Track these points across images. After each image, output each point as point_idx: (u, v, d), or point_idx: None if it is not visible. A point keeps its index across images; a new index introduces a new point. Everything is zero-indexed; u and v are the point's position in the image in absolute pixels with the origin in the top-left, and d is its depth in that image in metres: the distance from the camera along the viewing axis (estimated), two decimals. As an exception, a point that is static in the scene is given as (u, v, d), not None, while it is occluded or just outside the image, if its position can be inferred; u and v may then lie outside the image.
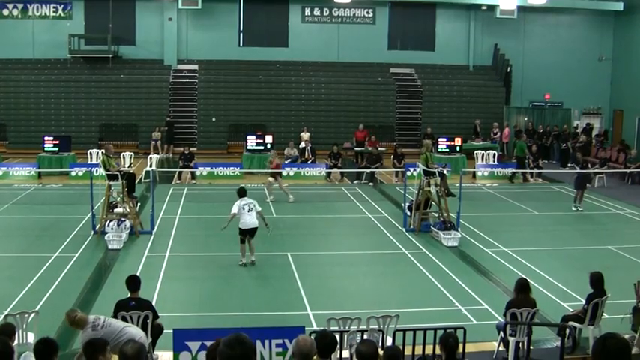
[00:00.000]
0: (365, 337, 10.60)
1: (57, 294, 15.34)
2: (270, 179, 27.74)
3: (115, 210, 21.15)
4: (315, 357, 6.77)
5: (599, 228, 23.85)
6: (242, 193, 18.81)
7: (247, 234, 18.30)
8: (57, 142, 32.63)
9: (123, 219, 20.67)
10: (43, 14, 41.13)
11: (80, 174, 29.85)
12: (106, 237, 19.63)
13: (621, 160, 34.95)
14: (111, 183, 20.95)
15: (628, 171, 32.45)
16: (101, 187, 21.52)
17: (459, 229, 21.21)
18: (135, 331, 10.07)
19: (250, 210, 18.35)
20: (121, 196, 21.15)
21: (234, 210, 18.30)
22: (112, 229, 20.22)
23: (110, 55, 40.69)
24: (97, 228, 20.73)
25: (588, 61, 44.04)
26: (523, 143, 33.63)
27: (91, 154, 32.52)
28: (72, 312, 10.22)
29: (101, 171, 21.79)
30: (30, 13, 40.95)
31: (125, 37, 41.80)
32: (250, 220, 18.25)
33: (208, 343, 9.52)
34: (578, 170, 27.20)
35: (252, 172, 32.27)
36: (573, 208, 26.30)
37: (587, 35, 44.50)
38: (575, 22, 44.65)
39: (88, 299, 15.04)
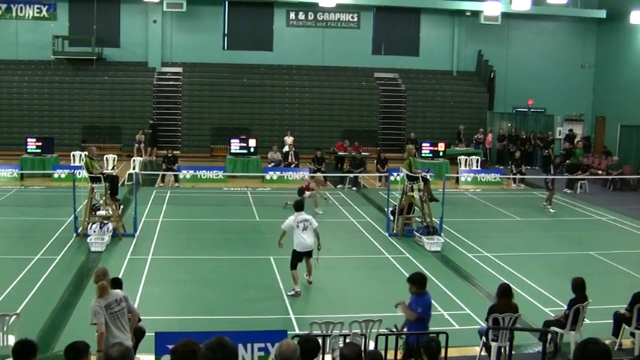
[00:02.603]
0: (347, 341, 10.59)
1: (38, 297, 15.23)
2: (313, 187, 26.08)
3: (98, 212, 21.06)
4: (298, 360, 6.74)
5: (580, 234, 23.94)
6: (299, 206, 16.80)
7: (303, 256, 16.41)
8: (40, 143, 32.41)
9: (105, 221, 20.53)
10: (27, 15, 40.93)
11: (63, 176, 29.72)
12: (88, 239, 19.52)
13: (603, 166, 35.14)
14: (94, 185, 20.83)
15: (610, 177, 32.59)
16: (84, 189, 21.45)
17: (441, 234, 21.21)
18: (123, 337, 10.04)
19: (305, 228, 16.25)
20: (103, 198, 21.06)
21: (287, 226, 16.45)
22: (94, 231, 20.06)
23: (94, 57, 40.56)
24: (79, 230, 20.59)
25: (571, 68, 44.33)
26: (581, 150, 33.25)
27: (74, 155, 32.41)
28: (102, 273, 10.30)
29: (84, 173, 21.69)
30: (13, 14, 40.73)
31: (109, 39, 41.68)
32: (307, 241, 16.22)
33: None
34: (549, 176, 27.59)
35: (236, 176, 32.19)
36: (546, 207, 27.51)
37: (571, 42, 44.77)
38: (559, 30, 44.91)
39: (70, 302, 14.94)
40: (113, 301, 10.00)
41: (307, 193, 25.06)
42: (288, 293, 15.96)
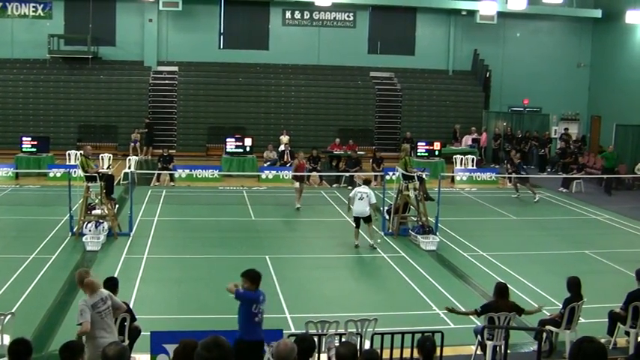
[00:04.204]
0: (343, 340, 10.59)
1: (33, 296, 15.24)
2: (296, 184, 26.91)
3: (93, 212, 21.01)
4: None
5: (576, 233, 23.96)
6: (366, 182, 21.38)
7: (359, 220, 20.22)
8: (35, 142, 32.38)
9: (101, 221, 20.54)
10: (23, 13, 40.82)
11: (58, 175, 29.63)
12: (83, 239, 19.51)
13: (599, 165, 35.18)
14: (89, 184, 20.82)
15: (605, 177, 32.59)
16: (79, 188, 21.40)
17: (437, 233, 21.23)
18: (114, 337, 10.00)
19: (361, 198, 20.10)
20: (99, 197, 21.03)
21: (351, 194, 20.55)
22: (89, 230, 20.07)
23: (90, 56, 40.47)
24: (74, 229, 20.58)
25: (567, 67, 44.32)
26: (613, 154, 33.00)
27: (69, 155, 32.38)
28: (84, 272, 10.30)
29: (79, 172, 21.65)
30: (9, 12, 40.61)
31: (105, 38, 41.55)
32: (358, 208, 20.17)
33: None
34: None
35: (231, 175, 32.18)
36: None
37: (566, 42, 44.78)
38: (555, 29, 44.91)
39: (65, 301, 14.93)
40: (99, 300, 10.01)
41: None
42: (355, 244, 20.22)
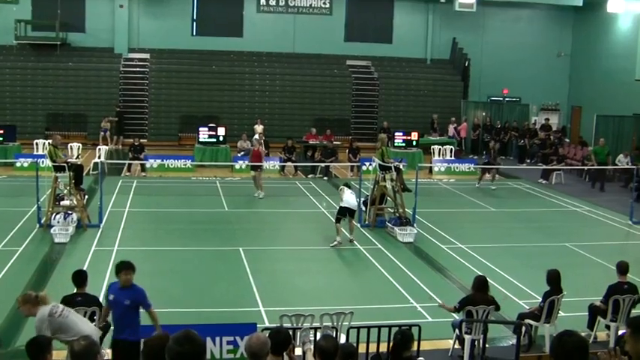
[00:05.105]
0: (318, 334, 10.59)
1: (-1, 289, 15.14)
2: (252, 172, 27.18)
3: (62, 202, 20.92)
4: (268, 355, 6.73)
5: (556, 225, 24.10)
6: (348, 186, 20.80)
7: (347, 213, 19.84)
8: (1, 131, 32.13)
9: (70, 212, 20.41)
10: (-12, -2, 40.45)
11: (25, 165, 29.35)
12: (51, 230, 19.38)
13: (579, 156, 35.40)
14: (57, 174, 20.71)
15: (586, 168, 32.79)
16: (47, 178, 21.25)
17: (414, 225, 21.30)
18: (89, 329, 9.86)
19: (352, 192, 20.31)
20: (67, 188, 20.92)
21: (342, 187, 20.48)
22: (58, 222, 19.92)
23: (58, 42, 40.14)
24: (42, 221, 20.45)
25: (547, 56, 44.55)
26: (605, 148, 32.49)
27: (37, 144, 32.10)
28: (27, 295, 9.97)
29: (47, 162, 21.48)
30: (-26, -3, 40.24)
31: (74, 24, 41.16)
32: (350, 200, 19.96)
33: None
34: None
35: (204, 165, 32.08)
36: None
37: (547, 30, 45.02)
38: (535, 17, 45.14)
39: (33, 295, 14.82)
40: (50, 308, 9.62)
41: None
42: (331, 245, 19.47)
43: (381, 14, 44.30)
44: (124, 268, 10.78)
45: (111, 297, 10.74)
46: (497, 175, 30.44)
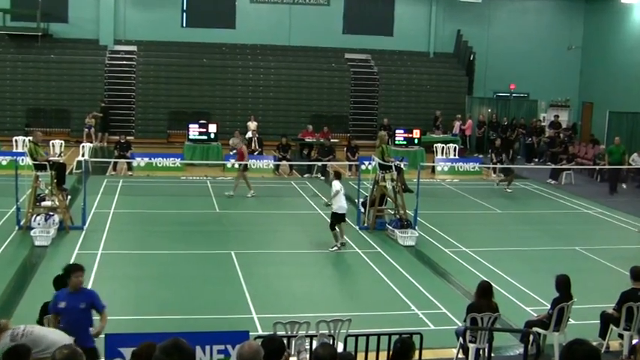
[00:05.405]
0: (314, 343, 10.57)
1: (-23, 294, 15.12)
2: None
3: (43, 203, 20.87)
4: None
5: (565, 228, 24.11)
6: (339, 175, 20.84)
7: (341, 220, 19.77)
8: (-21, 127, 32.15)
9: (51, 213, 20.40)
10: (-35, -14, 40.40)
11: (4, 163, 29.32)
12: (32, 233, 19.33)
13: (590, 155, 35.38)
14: (38, 173, 20.66)
15: (597, 167, 32.79)
16: (27, 177, 21.21)
17: (416, 228, 21.29)
18: (59, 338, 9.81)
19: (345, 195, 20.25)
20: (49, 187, 20.87)
21: (338, 188, 19.80)
22: (38, 224, 19.93)
23: (39, 33, 40.02)
24: (22, 223, 20.39)
25: (557, 50, 44.51)
26: (620, 147, 31.85)
27: (16, 141, 32.00)
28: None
29: (28, 160, 21.48)
30: (-50, -15, 40.19)
31: (56, 13, 41.07)
32: (345, 203, 19.94)
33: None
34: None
35: (194, 164, 32.05)
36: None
37: (556, 23, 44.99)
38: (544, 9, 45.13)
39: (11, 301, 14.82)
40: (10, 332, 9.51)
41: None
42: (331, 249, 19.44)
43: (381, 5, 44.28)
44: (74, 270, 10.78)
45: (62, 305, 10.61)
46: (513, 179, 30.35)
